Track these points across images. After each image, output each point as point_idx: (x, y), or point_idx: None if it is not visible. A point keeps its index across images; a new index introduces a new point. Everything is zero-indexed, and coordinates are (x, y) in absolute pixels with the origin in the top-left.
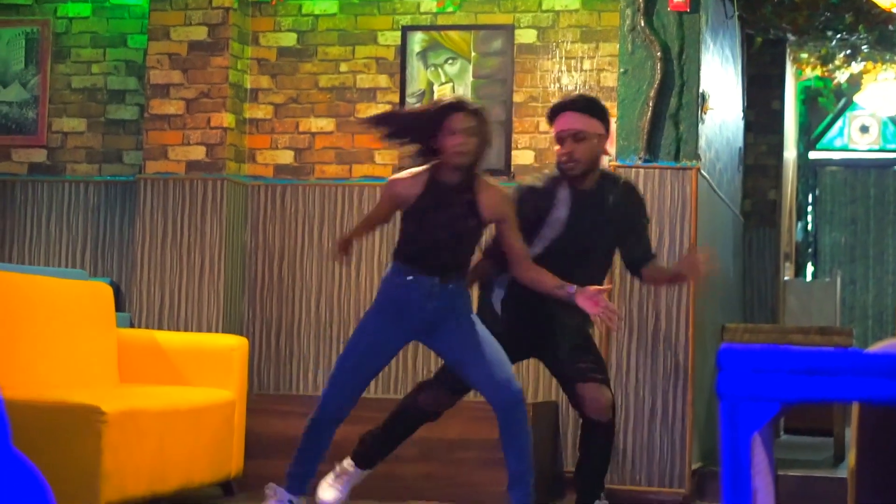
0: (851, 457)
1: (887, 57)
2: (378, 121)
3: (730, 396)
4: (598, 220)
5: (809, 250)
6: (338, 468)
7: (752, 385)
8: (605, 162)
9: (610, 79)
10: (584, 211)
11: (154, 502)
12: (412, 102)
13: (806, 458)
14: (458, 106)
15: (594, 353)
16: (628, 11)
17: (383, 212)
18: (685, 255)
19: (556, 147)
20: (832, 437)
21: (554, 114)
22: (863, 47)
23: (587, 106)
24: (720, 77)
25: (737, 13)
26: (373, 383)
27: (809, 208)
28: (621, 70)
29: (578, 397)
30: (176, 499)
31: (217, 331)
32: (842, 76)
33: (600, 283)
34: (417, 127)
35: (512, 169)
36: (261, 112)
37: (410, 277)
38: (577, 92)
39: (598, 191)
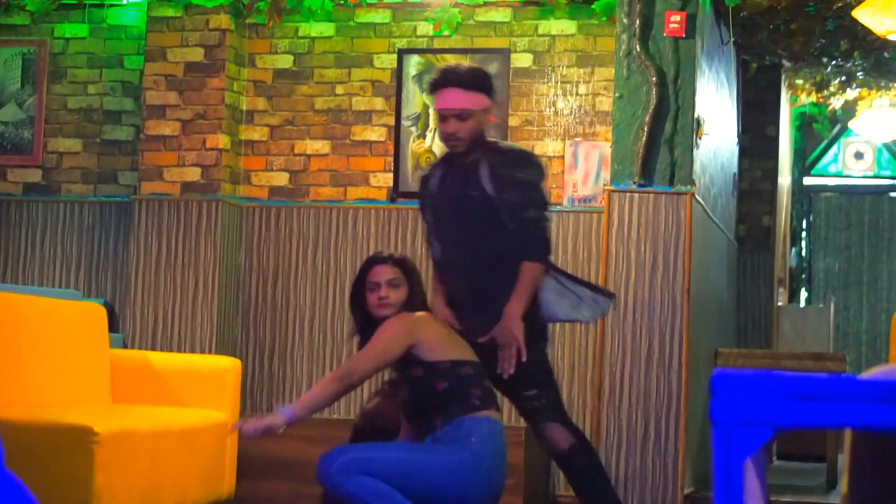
0: (844, 482)
1: (882, 84)
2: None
3: (723, 421)
4: (463, 193)
5: (804, 276)
6: None
7: (745, 410)
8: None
9: (605, 103)
10: (450, 185)
11: None
12: (407, 125)
13: (799, 484)
14: (374, 259)
15: (542, 379)
16: (624, 36)
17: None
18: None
19: (440, 124)
20: (825, 463)
21: (435, 88)
22: (858, 74)
23: (471, 81)
24: (715, 102)
25: (732, 39)
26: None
27: (804, 234)
28: (617, 95)
29: (538, 438)
30: None
31: (210, 352)
32: (837, 102)
33: (503, 293)
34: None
35: None
36: (256, 134)
37: None
38: (461, 63)
39: (472, 163)
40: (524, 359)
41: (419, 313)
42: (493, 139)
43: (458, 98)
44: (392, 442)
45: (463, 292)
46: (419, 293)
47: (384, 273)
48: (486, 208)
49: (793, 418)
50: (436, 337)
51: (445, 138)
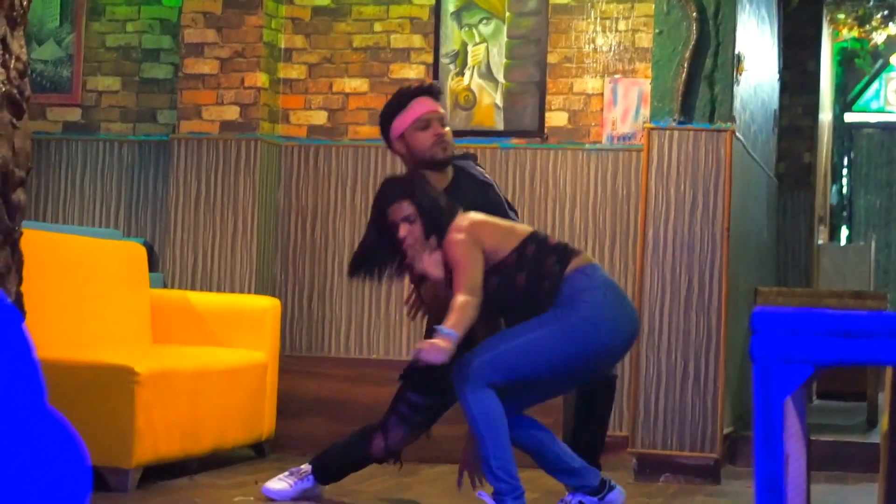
0: (884, 421)
1: None
2: (354, 271)
3: (763, 358)
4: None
5: (844, 213)
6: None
7: (785, 347)
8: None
9: (645, 39)
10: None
11: (187, 463)
12: (446, 63)
13: (838, 423)
14: (392, 196)
15: None
16: None
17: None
18: None
19: (418, 134)
20: (865, 402)
21: (407, 100)
22: None
23: (438, 93)
24: (756, 38)
25: None
26: (381, 344)
27: (844, 171)
28: (656, 31)
29: None
30: (208, 460)
31: (250, 292)
32: (879, 38)
33: None
34: (378, 244)
35: (545, 131)
36: (294, 72)
37: None
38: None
39: (455, 181)
40: None
41: (465, 220)
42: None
43: (435, 104)
44: (509, 330)
45: None
46: (437, 212)
47: (400, 211)
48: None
49: (833, 355)
50: (490, 234)
51: (435, 142)
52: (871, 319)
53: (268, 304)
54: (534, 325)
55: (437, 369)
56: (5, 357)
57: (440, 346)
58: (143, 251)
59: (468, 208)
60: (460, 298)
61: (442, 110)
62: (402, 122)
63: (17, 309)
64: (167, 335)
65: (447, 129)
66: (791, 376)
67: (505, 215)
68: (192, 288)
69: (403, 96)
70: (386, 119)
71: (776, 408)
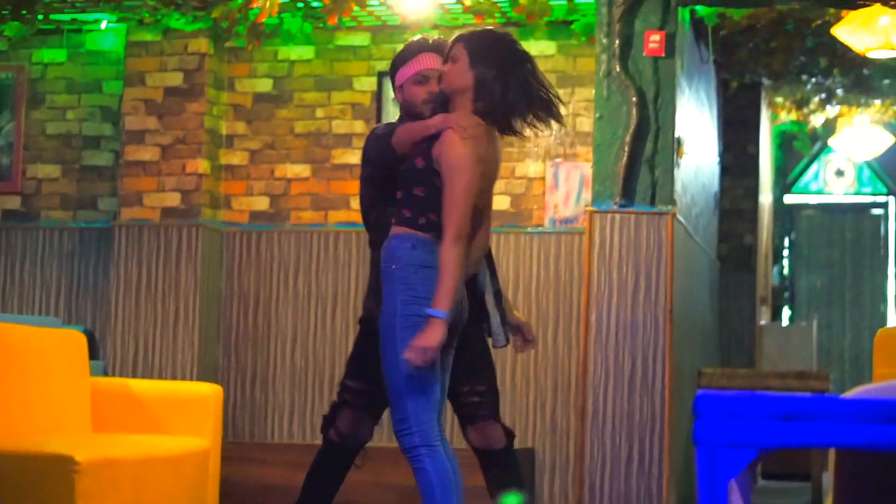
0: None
1: (862, 101)
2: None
3: (707, 443)
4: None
5: (786, 294)
6: None
7: (729, 431)
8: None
9: (586, 124)
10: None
11: None
12: None
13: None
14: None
15: (487, 371)
16: (604, 56)
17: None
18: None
19: (413, 88)
20: (810, 482)
21: (413, 53)
22: (838, 91)
23: (442, 50)
24: (696, 121)
25: (712, 57)
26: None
27: (786, 252)
28: (597, 115)
29: (467, 435)
30: None
31: (192, 378)
32: (817, 120)
33: None
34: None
35: None
36: (236, 158)
37: None
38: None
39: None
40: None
41: (474, 121)
42: None
43: (436, 61)
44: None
45: None
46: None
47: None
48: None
49: (777, 438)
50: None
51: (425, 100)
52: (814, 402)
53: (210, 391)
54: None
55: (371, 355)
56: None
57: (426, 345)
58: (83, 339)
59: None
60: (448, 251)
61: (440, 68)
62: (403, 74)
63: None
64: (108, 424)
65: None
66: (735, 460)
67: None
68: (134, 375)
69: (410, 49)
70: (393, 67)
71: (720, 491)
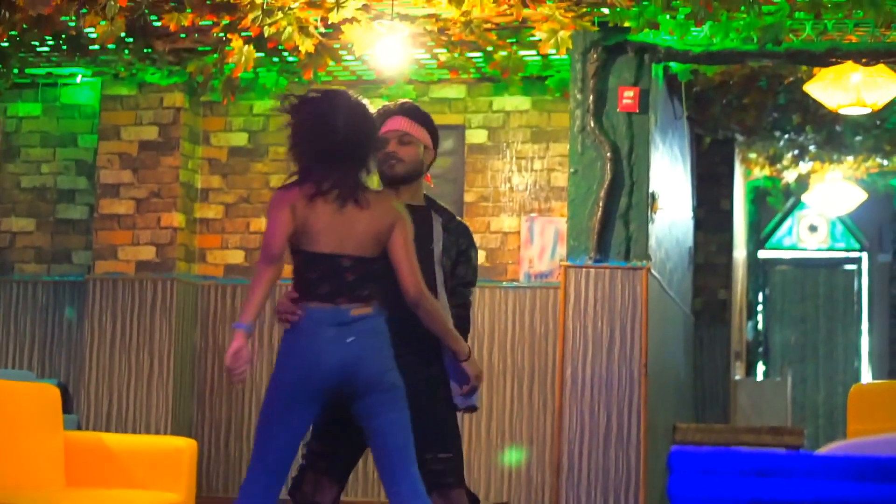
0: None
1: (835, 157)
2: None
3: (682, 498)
4: (418, 242)
5: (760, 349)
6: None
7: (703, 487)
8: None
9: (560, 178)
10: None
11: None
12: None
13: None
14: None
15: (450, 435)
16: (578, 112)
17: None
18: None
19: (379, 151)
20: None
21: (381, 118)
22: (811, 147)
23: (417, 114)
24: (670, 176)
25: (686, 113)
26: None
27: (760, 307)
28: (571, 170)
29: (433, 500)
30: None
31: (166, 432)
32: (790, 176)
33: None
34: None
35: None
36: (211, 212)
37: None
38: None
39: (422, 211)
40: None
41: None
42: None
43: (401, 123)
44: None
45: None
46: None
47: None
48: (429, 263)
49: (751, 494)
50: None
51: (384, 159)
52: (788, 459)
53: (184, 445)
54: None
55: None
56: None
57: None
58: (56, 392)
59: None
60: (433, 301)
61: (407, 129)
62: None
63: None
64: (82, 478)
65: (410, 147)
66: None
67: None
68: (108, 429)
69: (378, 116)
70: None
71: None
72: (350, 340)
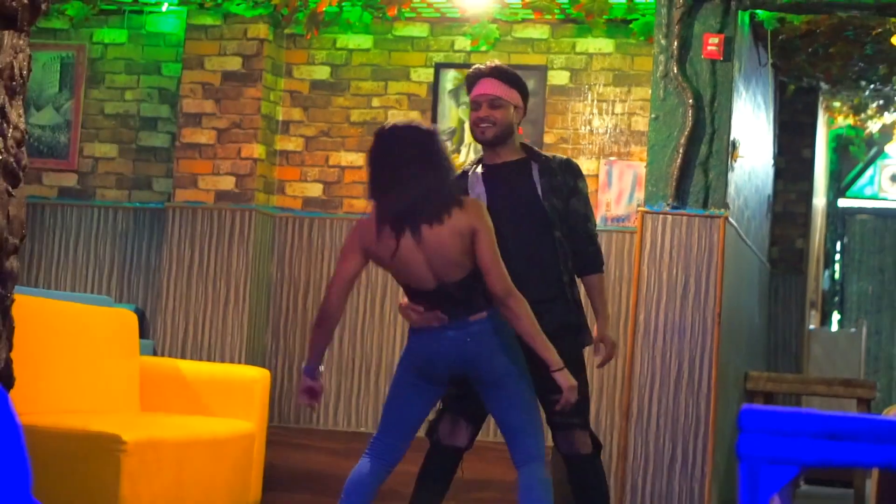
0: None
1: None
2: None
3: (750, 458)
4: (519, 194)
5: (836, 299)
6: None
7: (772, 447)
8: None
9: (641, 123)
10: (500, 185)
11: None
12: (443, 139)
13: None
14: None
15: (579, 378)
16: (661, 58)
17: None
18: (605, 343)
19: (471, 113)
20: (852, 489)
21: (472, 81)
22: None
23: (508, 76)
24: (751, 124)
25: (770, 61)
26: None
27: (837, 256)
28: (652, 116)
29: (556, 440)
30: None
31: (240, 361)
32: (874, 126)
33: (549, 282)
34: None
35: None
36: (291, 144)
37: None
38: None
39: (519, 163)
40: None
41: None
42: (531, 146)
43: (492, 86)
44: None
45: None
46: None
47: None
48: (536, 211)
49: (819, 456)
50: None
51: (475, 122)
52: (857, 423)
53: (257, 375)
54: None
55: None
56: None
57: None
58: (134, 318)
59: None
60: (523, 303)
61: (498, 92)
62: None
63: (7, 376)
64: (156, 403)
65: (501, 110)
66: (777, 476)
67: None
68: (183, 356)
69: (468, 78)
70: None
71: None
72: (468, 341)
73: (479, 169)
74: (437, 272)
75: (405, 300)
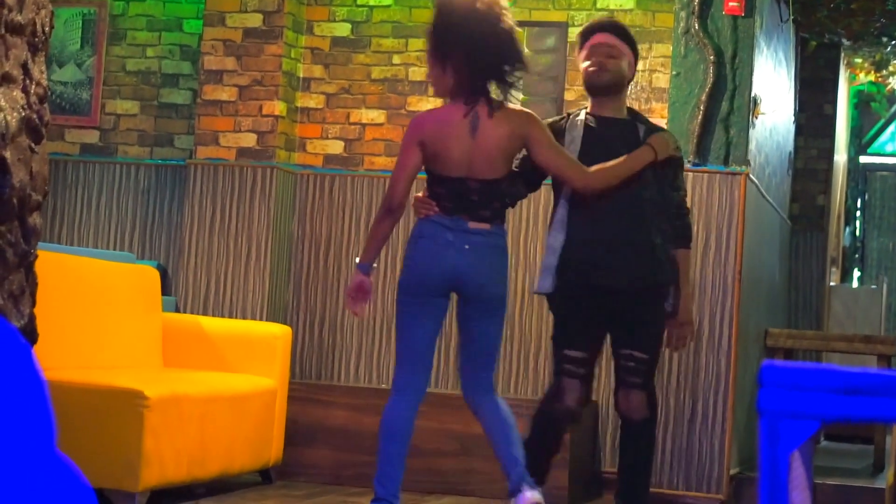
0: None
1: None
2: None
3: (770, 413)
4: (619, 150)
5: (857, 255)
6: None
7: (792, 402)
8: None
9: (662, 80)
10: (604, 134)
11: (193, 487)
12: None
13: (845, 466)
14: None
15: (653, 339)
16: (682, 14)
17: None
18: (680, 322)
19: (583, 64)
20: (872, 445)
21: (587, 33)
22: None
23: (623, 32)
24: (772, 81)
25: (792, 17)
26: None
27: (858, 213)
28: (673, 72)
29: (616, 398)
30: (215, 485)
31: (261, 318)
32: (895, 82)
33: (639, 242)
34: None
35: None
36: (312, 101)
37: None
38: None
39: (626, 122)
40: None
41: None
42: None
43: (608, 38)
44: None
45: (596, 238)
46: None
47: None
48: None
49: (840, 411)
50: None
51: (592, 67)
52: (879, 378)
53: (279, 332)
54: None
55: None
56: (16, 397)
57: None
58: (156, 274)
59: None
60: (598, 173)
61: (614, 43)
62: (580, 56)
63: (31, 331)
64: (178, 359)
65: (616, 60)
66: (798, 431)
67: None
68: (205, 313)
69: (583, 31)
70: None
71: (782, 461)
72: (466, 248)
73: (583, 116)
74: (471, 163)
75: (420, 196)
